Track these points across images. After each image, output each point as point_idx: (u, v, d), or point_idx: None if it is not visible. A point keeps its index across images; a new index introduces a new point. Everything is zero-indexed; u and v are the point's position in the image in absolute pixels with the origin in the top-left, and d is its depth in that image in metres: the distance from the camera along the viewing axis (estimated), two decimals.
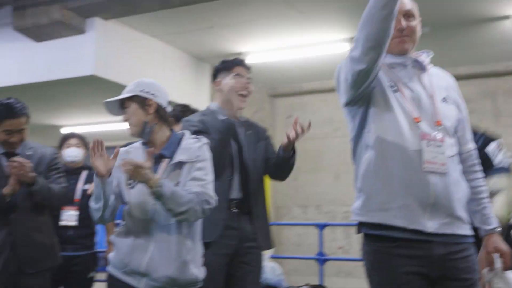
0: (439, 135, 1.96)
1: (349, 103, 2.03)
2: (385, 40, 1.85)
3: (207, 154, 2.37)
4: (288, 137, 2.74)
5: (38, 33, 6.30)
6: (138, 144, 2.42)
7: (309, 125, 2.74)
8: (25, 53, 6.61)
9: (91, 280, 3.93)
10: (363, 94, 1.98)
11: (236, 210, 2.79)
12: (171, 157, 2.32)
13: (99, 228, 4.19)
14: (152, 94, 2.35)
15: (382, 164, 1.94)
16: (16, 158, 2.71)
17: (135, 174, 2.14)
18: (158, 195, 2.14)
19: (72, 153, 3.95)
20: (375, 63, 1.87)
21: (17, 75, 6.64)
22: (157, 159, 2.32)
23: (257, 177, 2.90)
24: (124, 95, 2.36)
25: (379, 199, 1.93)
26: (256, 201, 2.85)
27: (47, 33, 6.25)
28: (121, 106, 2.39)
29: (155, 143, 2.36)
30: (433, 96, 2.02)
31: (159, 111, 2.36)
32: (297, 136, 2.73)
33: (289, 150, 2.81)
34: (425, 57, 2.12)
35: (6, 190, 2.70)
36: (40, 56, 6.52)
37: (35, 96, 7.13)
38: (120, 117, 2.41)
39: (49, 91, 7.11)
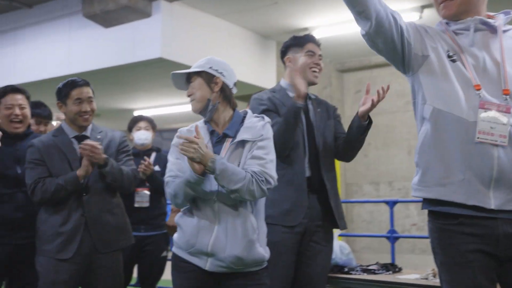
0: (503, 104, 1.81)
1: (402, 71, 2.00)
2: (357, 4, 1.84)
3: (270, 133, 2.33)
4: (372, 101, 2.67)
5: (106, 19, 6.45)
6: (199, 123, 2.41)
7: (388, 88, 2.70)
8: (95, 39, 6.79)
9: (164, 259, 4.02)
10: (401, 61, 1.95)
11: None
12: (234, 136, 2.30)
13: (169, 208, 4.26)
14: (220, 72, 2.34)
15: (437, 137, 1.85)
16: (87, 141, 2.79)
17: (187, 150, 2.14)
18: (210, 171, 2.14)
19: (142, 136, 4.02)
20: (368, 27, 1.88)
21: (88, 61, 6.84)
22: (221, 138, 2.31)
23: (327, 155, 2.84)
24: (193, 69, 2.37)
25: (436, 174, 1.84)
26: (327, 179, 2.79)
27: (115, 18, 6.38)
28: (188, 81, 2.39)
29: (218, 123, 2.34)
30: (503, 61, 1.86)
31: (225, 91, 2.34)
32: (378, 99, 2.67)
33: (366, 119, 2.74)
34: (501, 18, 1.95)
35: (80, 172, 2.78)
36: (109, 42, 6.68)
37: (107, 81, 7.33)
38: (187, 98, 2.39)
39: (119, 76, 7.30)
